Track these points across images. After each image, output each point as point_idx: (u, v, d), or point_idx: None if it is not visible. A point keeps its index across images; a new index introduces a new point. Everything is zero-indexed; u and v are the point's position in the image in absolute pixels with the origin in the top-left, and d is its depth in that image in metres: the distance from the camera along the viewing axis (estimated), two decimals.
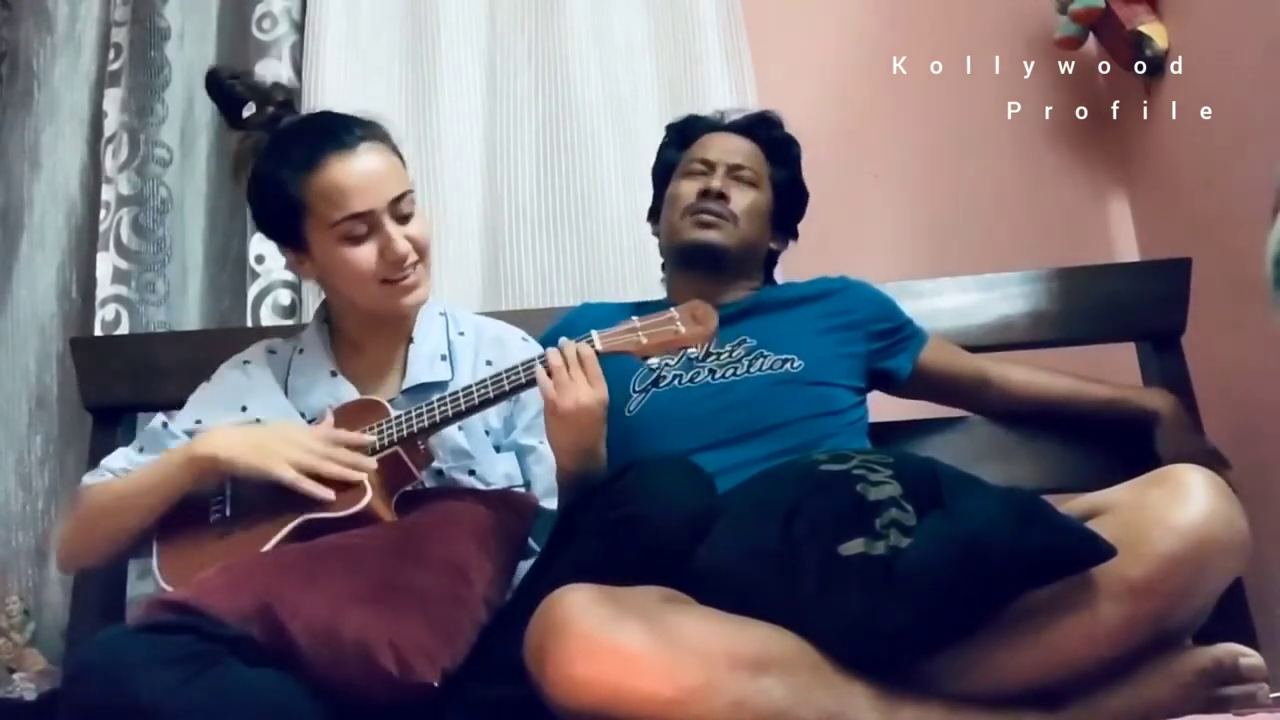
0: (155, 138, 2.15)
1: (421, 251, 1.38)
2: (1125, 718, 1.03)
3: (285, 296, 1.99)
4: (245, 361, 1.48)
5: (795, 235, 1.71)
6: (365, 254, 1.34)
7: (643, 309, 1.64)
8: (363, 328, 1.45)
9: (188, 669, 1.01)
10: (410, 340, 1.45)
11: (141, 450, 1.41)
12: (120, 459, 1.41)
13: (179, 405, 1.46)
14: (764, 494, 1.21)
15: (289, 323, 1.95)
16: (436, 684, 1.07)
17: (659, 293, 1.71)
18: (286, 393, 1.43)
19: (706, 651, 1.00)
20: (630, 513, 1.12)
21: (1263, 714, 0.98)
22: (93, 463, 1.69)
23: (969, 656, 1.04)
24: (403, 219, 1.36)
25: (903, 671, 1.05)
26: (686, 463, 1.19)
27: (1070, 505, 1.15)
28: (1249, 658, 1.06)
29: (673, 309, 1.29)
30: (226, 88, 1.44)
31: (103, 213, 2.08)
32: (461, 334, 1.49)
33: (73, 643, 1.65)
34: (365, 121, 1.40)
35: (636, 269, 1.98)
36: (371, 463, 1.28)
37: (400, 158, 1.41)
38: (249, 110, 1.43)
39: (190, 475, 1.29)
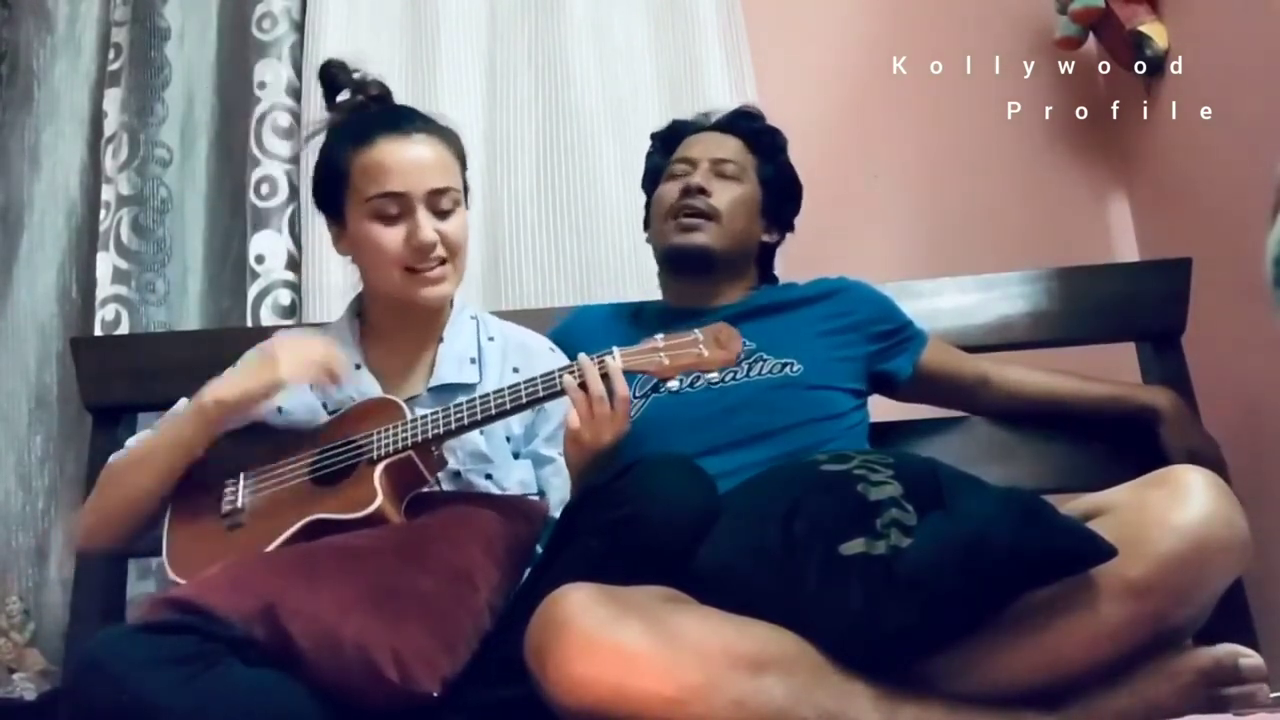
0: (155, 138, 2.15)
1: (452, 249, 1.40)
2: (1125, 718, 1.03)
3: (285, 296, 2.00)
4: None
5: (790, 227, 1.70)
6: (392, 235, 1.37)
7: (642, 311, 1.66)
8: (392, 320, 1.45)
9: (188, 669, 1.01)
10: (440, 339, 1.45)
11: None
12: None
13: None
14: (765, 494, 1.21)
15: (289, 323, 1.95)
16: (436, 694, 1.07)
17: (659, 293, 1.71)
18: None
19: (707, 651, 1.00)
20: (631, 513, 1.11)
21: (1263, 714, 0.98)
22: (93, 462, 1.71)
23: (969, 656, 1.04)
24: (440, 213, 1.38)
25: (903, 671, 1.05)
26: (688, 462, 1.19)
27: (1070, 505, 1.15)
28: (1249, 658, 1.06)
29: (697, 331, 1.29)
30: (332, 75, 1.49)
31: (103, 213, 2.08)
32: (491, 339, 1.49)
33: (73, 643, 1.65)
34: (434, 120, 1.44)
35: (636, 269, 1.98)
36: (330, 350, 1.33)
37: (461, 162, 1.44)
38: (343, 95, 1.48)
39: (199, 426, 1.31)
